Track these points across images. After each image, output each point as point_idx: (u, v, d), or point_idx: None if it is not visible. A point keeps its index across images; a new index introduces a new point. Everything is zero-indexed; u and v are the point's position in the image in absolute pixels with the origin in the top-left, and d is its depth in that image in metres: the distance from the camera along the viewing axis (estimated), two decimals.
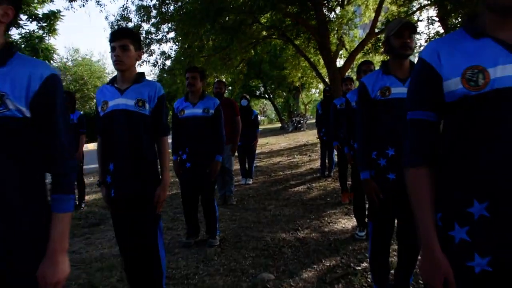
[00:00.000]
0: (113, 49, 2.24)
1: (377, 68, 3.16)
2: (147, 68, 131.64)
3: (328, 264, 3.20)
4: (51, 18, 10.47)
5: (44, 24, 10.59)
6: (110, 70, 30.95)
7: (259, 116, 8.03)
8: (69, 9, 10.92)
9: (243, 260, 3.39)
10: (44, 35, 10.67)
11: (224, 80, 11.75)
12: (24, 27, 10.46)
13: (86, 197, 6.48)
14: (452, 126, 1.15)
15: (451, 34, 1.19)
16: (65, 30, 65.44)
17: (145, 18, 11.67)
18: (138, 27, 11.62)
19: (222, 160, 3.93)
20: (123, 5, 11.28)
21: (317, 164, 8.51)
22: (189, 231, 3.95)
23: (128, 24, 11.53)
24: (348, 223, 4.35)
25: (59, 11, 10.61)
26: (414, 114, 1.20)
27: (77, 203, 6.16)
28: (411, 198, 1.20)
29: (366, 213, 3.85)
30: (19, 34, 10.47)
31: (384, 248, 2.44)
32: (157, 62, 13.14)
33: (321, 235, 3.96)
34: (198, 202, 3.95)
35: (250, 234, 4.08)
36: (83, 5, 10.67)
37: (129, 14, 11.49)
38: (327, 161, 7.23)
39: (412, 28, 2.18)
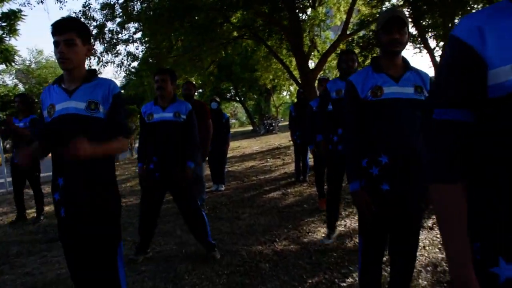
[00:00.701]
0: (56, 45, 1.86)
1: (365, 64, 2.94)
2: (112, 69, 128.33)
3: (310, 281, 2.93)
4: (12, 18, 9.78)
5: (3, 24, 9.89)
6: None
7: (230, 119, 7.75)
8: (25, 5, 10.20)
9: (216, 279, 3.07)
10: (4, 35, 9.97)
11: (193, 82, 11.33)
12: None
13: (46, 208, 5.96)
14: (495, 128, 0.87)
15: (493, 6, 0.89)
16: (28, 31, 62.73)
17: (109, 17, 11.08)
18: (102, 26, 11.00)
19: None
20: (85, 2, 10.52)
21: (291, 168, 8.29)
22: (140, 246, 3.58)
23: (91, 23, 10.88)
24: None
25: (20, 11, 9.95)
26: (444, 113, 0.91)
27: (36, 215, 5.67)
28: (441, 222, 0.92)
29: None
30: None
31: (377, 259, 2.18)
32: (122, 63, 12.52)
33: (300, 247, 3.69)
34: (158, 215, 3.61)
35: (224, 248, 3.76)
36: (41, 1, 9.98)
37: (92, 12, 10.83)
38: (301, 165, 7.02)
39: (402, 22, 1.93)
